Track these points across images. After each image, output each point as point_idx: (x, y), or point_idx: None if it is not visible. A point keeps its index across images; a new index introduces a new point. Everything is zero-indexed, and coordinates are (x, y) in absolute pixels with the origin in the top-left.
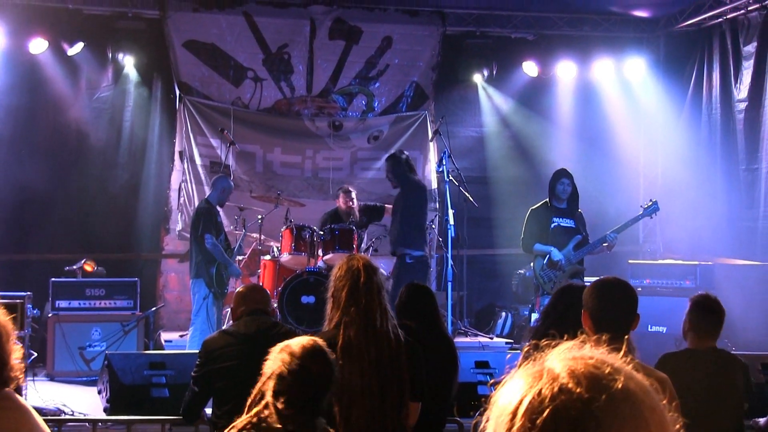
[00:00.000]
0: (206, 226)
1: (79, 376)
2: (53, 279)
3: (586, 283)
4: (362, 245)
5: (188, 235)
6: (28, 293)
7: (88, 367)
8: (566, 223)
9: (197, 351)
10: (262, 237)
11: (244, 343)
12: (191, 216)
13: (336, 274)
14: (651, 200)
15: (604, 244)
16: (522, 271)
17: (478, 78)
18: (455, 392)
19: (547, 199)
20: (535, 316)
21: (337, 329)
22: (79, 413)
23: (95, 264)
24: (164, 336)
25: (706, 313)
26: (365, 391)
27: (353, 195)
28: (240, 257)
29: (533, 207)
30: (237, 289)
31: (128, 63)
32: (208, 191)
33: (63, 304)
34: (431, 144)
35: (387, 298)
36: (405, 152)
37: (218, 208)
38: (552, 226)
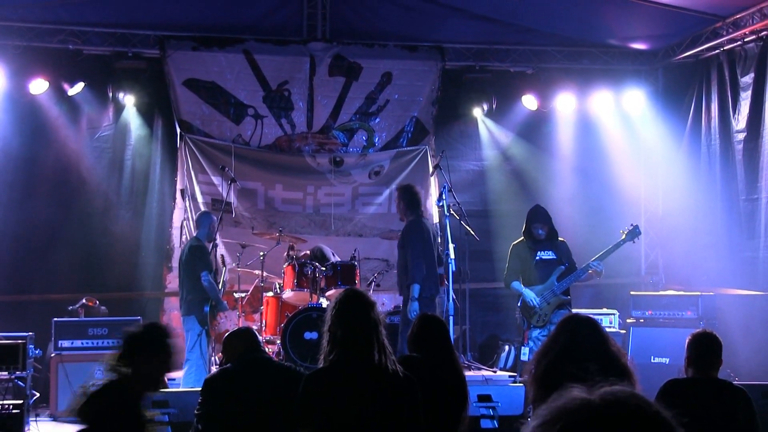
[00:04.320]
0: (203, 263)
1: None
2: (55, 319)
3: (591, 315)
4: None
5: None
6: (30, 334)
7: None
8: (547, 255)
9: (200, 389)
10: (265, 273)
11: (244, 381)
12: (184, 253)
13: (332, 308)
14: (632, 225)
15: (590, 271)
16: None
17: (477, 112)
18: (465, 427)
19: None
20: (525, 350)
21: (334, 365)
22: None
23: (95, 301)
24: (167, 374)
25: (705, 346)
26: (361, 428)
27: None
28: (243, 294)
29: (514, 242)
30: (228, 333)
31: (129, 102)
32: None
33: (65, 344)
34: (432, 178)
35: (384, 334)
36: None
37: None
38: (535, 260)
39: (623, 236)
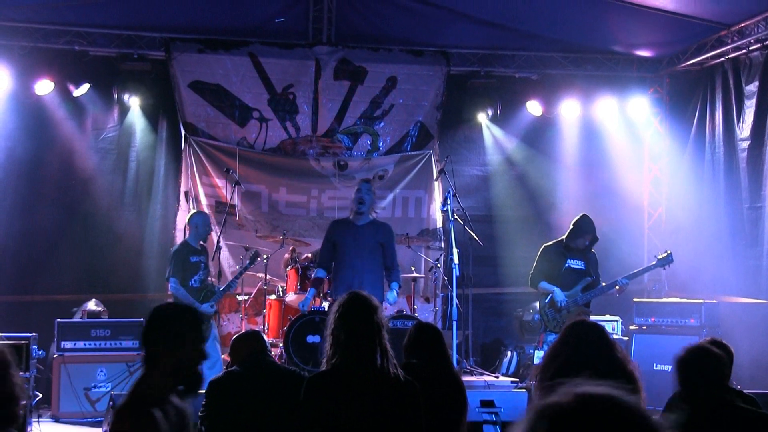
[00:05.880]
0: (173, 269)
1: (84, 417)
2: (59, 320)
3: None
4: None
5: None
6: (34, 334)
7: (93, 408)
8: (577, 264)
9: (202, 391)
10: (268, 276)
11: (249, 384)
12: None
13: (335, 312)
14: (666, 251)
15: (616, 288)
16: (520, 311)
17: (482, 117)
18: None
19: (564, 239)
20: (539, 354)
21: (336, 368)
22: None
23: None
24: None
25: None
26: None
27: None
28: (245, 297)
29: (547, 244)
30: (236, 335)
31: (134, 104)
32: (213, 231)
33: (68, 344)
34: (436, 183)
35: (387, 338)
36: None
37: (199, 246)
38: (564, 266)
39: (655, 261)
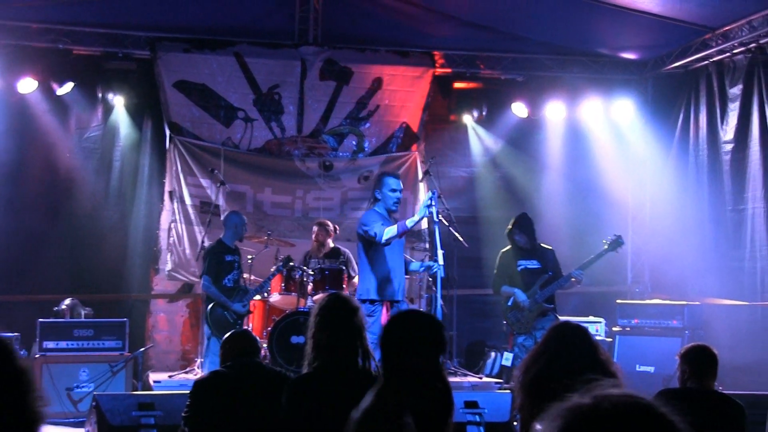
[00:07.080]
0: (206, 267)
1: (66, 418)
2: (41, 320)
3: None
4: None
5: (177, 276)
6: (16, 334)
7: (75, 409)
8: (532, 264)
9: (187, 392)
10: (252, 277)
11: (234, 385)
12: None
13: (315, 314)
14: (615, 235)
15: (572, 280)
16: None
17: (467, 119)
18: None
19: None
20: (508, 356)
21: (318, 371)
22: None
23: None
24: (153, 377)
25: (704, 358)
26: None
27: (329, 230)
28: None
29: (503, 250)
30: (227, 335)
31: (118, 103)
32: (198, 231)
33: (50, 344)
34: (421, 184)
35: (368, 339)
36: None
37: (234, 246)
38: (519, 269)
39: (605, 246)
